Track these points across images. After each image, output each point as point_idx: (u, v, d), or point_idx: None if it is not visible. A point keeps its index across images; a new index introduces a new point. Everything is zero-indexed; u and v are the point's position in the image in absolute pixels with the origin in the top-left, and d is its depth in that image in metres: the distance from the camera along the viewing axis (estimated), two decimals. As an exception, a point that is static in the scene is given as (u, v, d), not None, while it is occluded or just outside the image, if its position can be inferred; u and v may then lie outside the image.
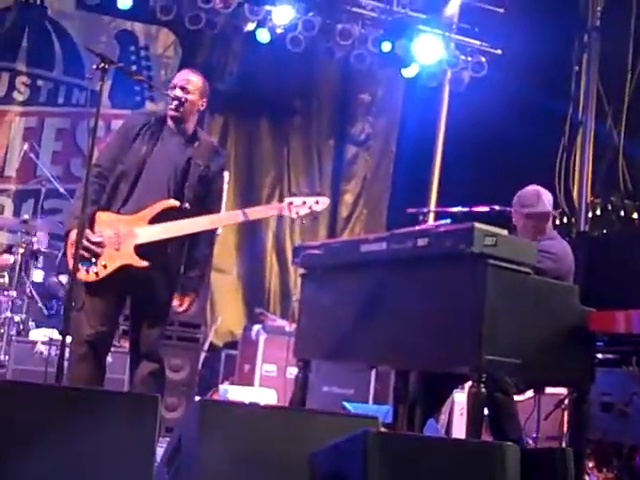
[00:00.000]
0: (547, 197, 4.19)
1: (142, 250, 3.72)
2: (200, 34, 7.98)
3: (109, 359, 3.92)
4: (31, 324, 6.09)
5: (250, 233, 8.71)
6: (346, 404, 5.80)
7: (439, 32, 8.09)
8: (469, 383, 3.32)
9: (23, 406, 2.45)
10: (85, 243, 3.65)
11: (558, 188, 7.12)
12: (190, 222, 3.76)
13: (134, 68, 7.82)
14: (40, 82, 7.95)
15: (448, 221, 3.97)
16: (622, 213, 7.23)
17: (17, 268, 6.12)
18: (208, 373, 7.45)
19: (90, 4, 7.54)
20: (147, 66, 8.34)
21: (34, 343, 5.33)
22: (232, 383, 7.11)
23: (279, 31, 7.83)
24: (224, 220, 4.24)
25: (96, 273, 3.72)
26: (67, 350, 3.55)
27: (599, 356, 4.96)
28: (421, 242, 3.38)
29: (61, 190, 6.59)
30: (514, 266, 3.27)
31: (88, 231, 3.68)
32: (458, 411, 5.39)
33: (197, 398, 5.59)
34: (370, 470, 2.38)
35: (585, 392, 3.63)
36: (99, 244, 3.71)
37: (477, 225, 3.20)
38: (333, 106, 9.27)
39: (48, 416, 2.45)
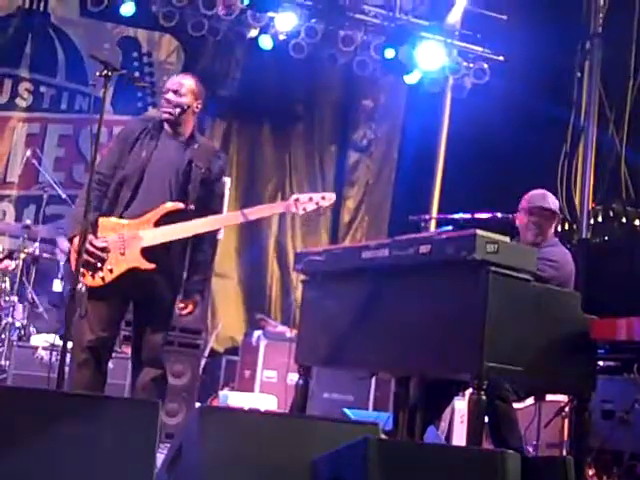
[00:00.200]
0: (553, 200, 4.22)
1: (147, 253, 3.74)
2: (203, 40, 8.00)
3: (110, 365, 3.92)
4: (32, 329, 6.10)
5: (251, 238, 8.71)
6: (346, 411, 5.78)
7: (441, 39, 8.10)
8: (470, 390, 3.32)
9: (23, 411, 2.45)
10: (90, 249, 3.67)
11: (560, 195, 7.12)
12: (193, 224, 3.78)
13: (137, 74, 7.83)
14: (43, 88, 7.97)
15: (450, 228, 3.96)
16: (624, 220, 7.23)
17: (18, 273, 6.13)
18: (209, 379, 7.45)
19: (93, 11, 7.55)
20: (150, 72, 8.36)
21: (35, 348, 5.33)
22: (232, 389, 7.11)
23: (282, 37, 7.85)
24: (227, 220, 4.24)
25: (102, 278, 3.73)
26: (68, 356, 3.55)
27: (600, 363, 4.95)
28: (423, 249, 3.39)
29: (63, 196, 6.61)
30: (516, 273, 3.27)
31: (92, 237, 3.69)
32: (458, 418, 5.38)
33: (197, 404, 5.58)
34: (370, 477, 2.38)
35: (586, 400, 3.62)
36: (104, 249, 3.72)
37: (479, 232, 3.20)
38: (335, 112, 9.28)
39: (48, 421, 2.45)
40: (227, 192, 6.17)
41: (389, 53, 8.03)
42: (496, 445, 3.79)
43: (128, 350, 4.38)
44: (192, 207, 3.81)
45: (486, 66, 8.16)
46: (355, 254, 3.75)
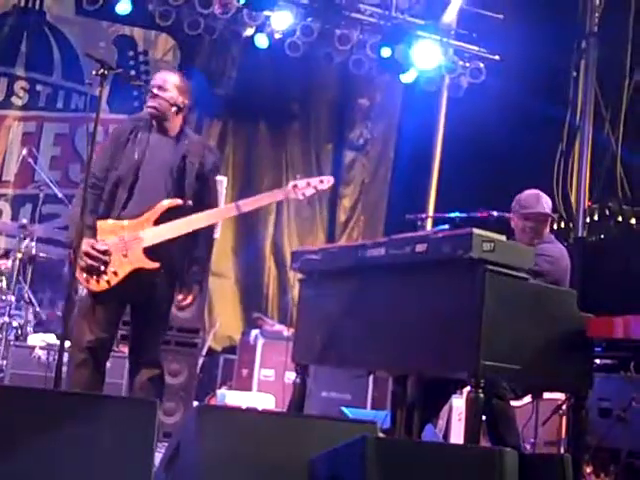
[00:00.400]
0: (546, 200, 4.22)
1: (150, 252, 3.73)
2: (199, 39, 7.99)
3: (107, 364, 3.92)
4: (29, 329, 6.09)
5: (248, 237, 8.70)
6: (344, 409, 5.79)
7: (437, 38, 8.11)
8: (467, 388, 3.32)
9: (21, 411, 2.45)
10: (93, 253, 3.67)
11: (556, 193, 7.14)
12: (191, 219, 3.77)
13: (133, 73, 7.81)
14: (39, 87, 7.96)
15: (446, 227, 3.97)
16: (620, 218, 7.25)
17: (15, 273, 6.12)
18: (206, 378, 7.45)
19: (89, 9, 7.54)
20: (146, 71, 8.34)
21: (32, 348, 5.32)
22: (230, 388, 7.11)
23: (278, 36, 7.85)
24: (224, 212, 4.23)
25: (107, 282, 3.71)
26: (65, 355, 3.55)
27: (597, 361, 4.97)
28: (419, 247, 3.39)
29: (59, 195, 6.60)
30: (512, 271, 3.28)
31: (93, 241, 3.69)
32: (456, 416, 5.39)
33: (195, 403, 5.58)
34: (368, 475, 2.39)
35: (583, 398, 3.63)
36: (105, 252, 3.71)
37: (475, 231, 3.21)
38: (331, 111, 9.28)
39: (46, 421, 2.46)
40: (224, 191, 6.16)
41: (385, 52, 8.03)
42: (494, 443, 3.80)
43: (125, 349, 4.38)
44: (190, 203, 3.81)
45: (482, 65, 8.17)
46: (352, 253, 3.75)
